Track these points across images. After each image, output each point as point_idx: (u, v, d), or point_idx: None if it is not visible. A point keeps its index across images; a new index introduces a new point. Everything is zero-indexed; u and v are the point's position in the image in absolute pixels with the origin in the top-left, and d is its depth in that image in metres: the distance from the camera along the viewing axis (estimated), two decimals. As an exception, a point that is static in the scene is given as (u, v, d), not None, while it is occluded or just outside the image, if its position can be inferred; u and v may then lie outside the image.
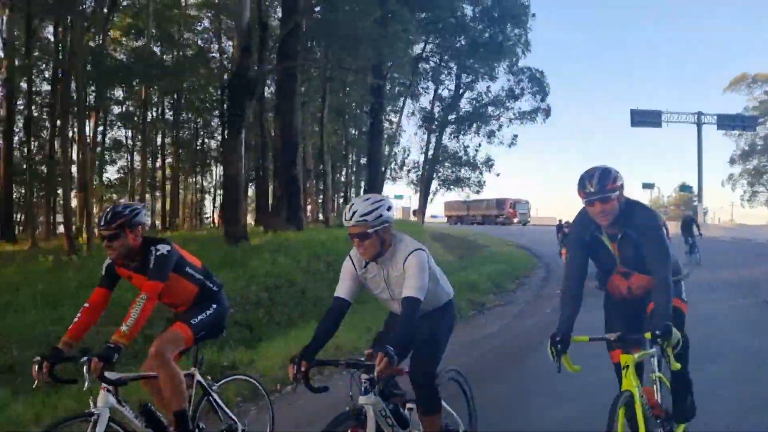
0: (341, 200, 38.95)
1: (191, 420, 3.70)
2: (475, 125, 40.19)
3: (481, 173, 41.20)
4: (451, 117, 40.07)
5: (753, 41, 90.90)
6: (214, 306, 3.93)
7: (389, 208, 3.26)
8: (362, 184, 43.76)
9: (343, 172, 41.02)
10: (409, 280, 3.17)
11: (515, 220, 60.80)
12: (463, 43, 28.88)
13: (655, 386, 3.47)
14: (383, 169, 29.13)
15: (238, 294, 10.18)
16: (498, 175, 39.88)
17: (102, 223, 3.56)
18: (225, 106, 23.12)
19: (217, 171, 43.65)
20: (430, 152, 40.03)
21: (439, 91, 39.12)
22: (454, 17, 25.26)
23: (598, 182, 3.21)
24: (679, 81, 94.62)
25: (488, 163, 41.72)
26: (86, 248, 15.38)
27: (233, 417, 4.03)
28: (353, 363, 3.07)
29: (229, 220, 16.28)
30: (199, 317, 3.82)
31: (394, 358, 2.83)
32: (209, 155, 41.14)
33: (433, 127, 39.57)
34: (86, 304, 3.63)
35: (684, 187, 66.03)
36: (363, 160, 41.57)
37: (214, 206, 44.55)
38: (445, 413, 3.60)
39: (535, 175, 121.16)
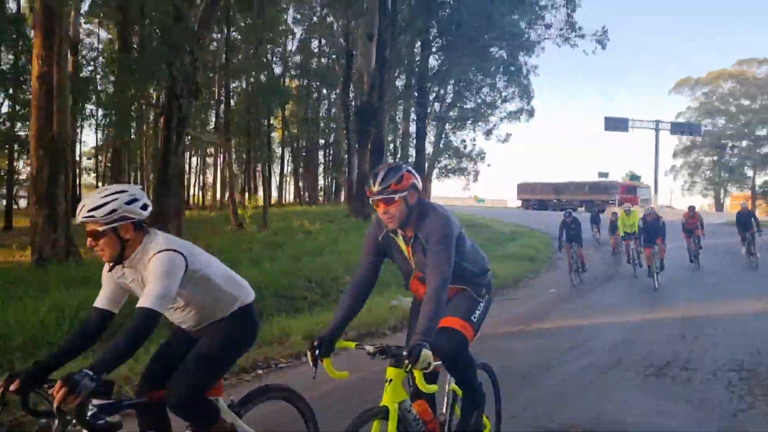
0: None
1: None
2: (472, 122, 47.65)
3: (476, 163, 48.75)
4: (453, 114, 47.38)
5: (697, 47, 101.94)
6: None
7: (131, 201, 2.65)
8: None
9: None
10: (147, 287, 2.59)
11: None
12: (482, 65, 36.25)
13: (446, 399, 3.37)
14: (426, 164, 36.51)
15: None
16: (489, 165, 47.17)
17: None
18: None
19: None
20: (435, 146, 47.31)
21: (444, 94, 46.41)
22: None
23: (382, 181, 2.90)
24: (641, 87, 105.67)
25: (480, 155, 49.30)
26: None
27: None
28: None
29: (357, 203, 23.30)
30: None
31: (78, 385, 2.21)
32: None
33: (438, 124, 46.84)
34: None
35: (633, 176, 75.84)
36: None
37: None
38: None
39: (520, 167, 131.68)
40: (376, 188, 2.92)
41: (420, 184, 3.02)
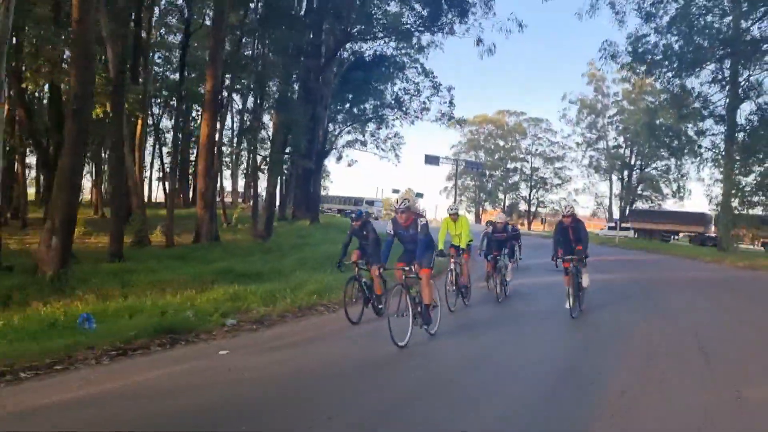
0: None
1: None
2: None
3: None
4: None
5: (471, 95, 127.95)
6: None
7: None
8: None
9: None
10: None
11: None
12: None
13: None
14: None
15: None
16: (332, 182, 59.38)
17: None
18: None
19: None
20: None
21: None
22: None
23: None
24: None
25: (328, 174, 62.26)
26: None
27: None
28: None
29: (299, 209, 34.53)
30: None
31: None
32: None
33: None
34: None
35: (417, 194, 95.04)
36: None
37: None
38: None
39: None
40: None
41: None
